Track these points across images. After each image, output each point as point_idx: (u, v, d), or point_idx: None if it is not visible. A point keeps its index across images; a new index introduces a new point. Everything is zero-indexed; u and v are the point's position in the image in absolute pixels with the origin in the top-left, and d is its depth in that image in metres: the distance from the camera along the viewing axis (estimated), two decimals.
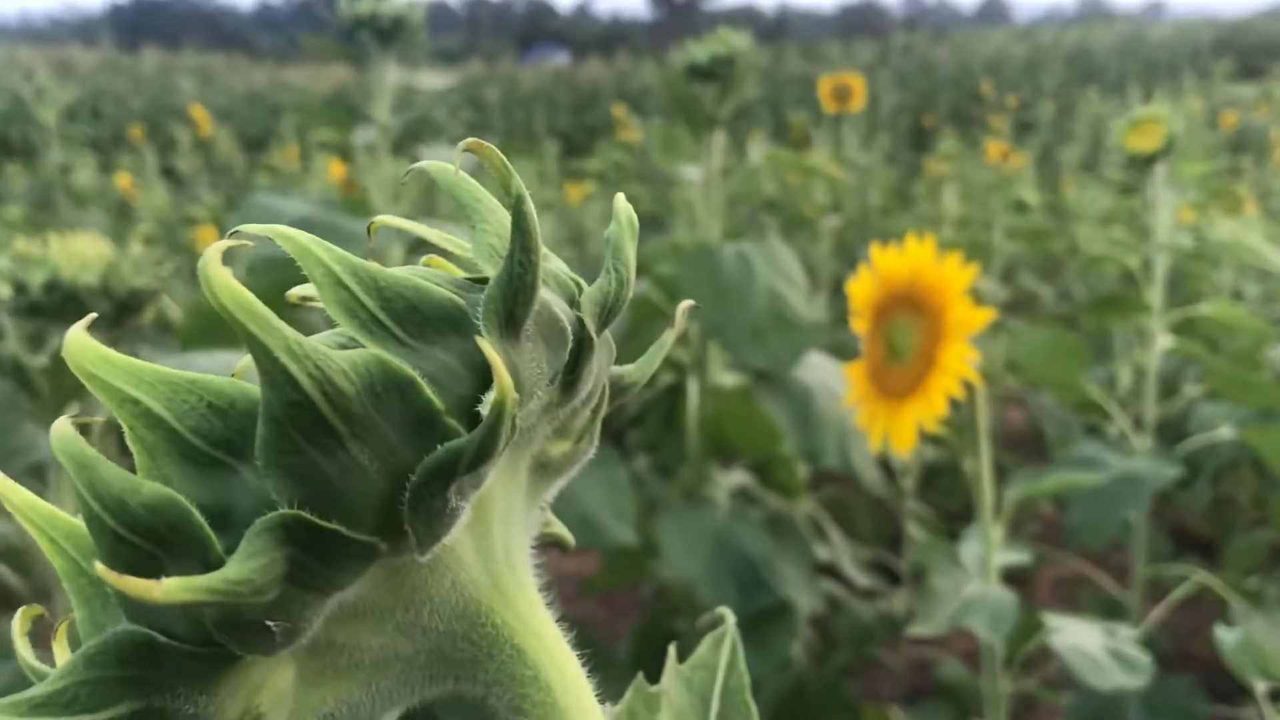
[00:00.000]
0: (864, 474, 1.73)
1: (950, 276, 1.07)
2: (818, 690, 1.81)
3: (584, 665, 0.35)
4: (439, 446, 0.28)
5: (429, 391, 0.28)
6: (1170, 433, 3.65)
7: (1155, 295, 2.02)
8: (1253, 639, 1.53)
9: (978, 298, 3.71)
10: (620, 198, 0.34)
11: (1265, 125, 11.05)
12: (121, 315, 1.14)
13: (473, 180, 0.34)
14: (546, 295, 0.31)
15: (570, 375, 0.32)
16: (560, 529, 0.38)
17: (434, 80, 1.65)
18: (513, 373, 0.29)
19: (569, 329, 0.32)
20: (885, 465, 3.04)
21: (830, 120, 7.48)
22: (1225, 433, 2.22)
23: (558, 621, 0.34)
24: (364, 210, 1.72)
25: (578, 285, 0.34)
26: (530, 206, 0.30)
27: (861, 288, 1.16)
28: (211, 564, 0.27)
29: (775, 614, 1.61)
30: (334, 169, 5.27)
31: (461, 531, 0.31)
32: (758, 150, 1.79)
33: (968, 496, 4.29)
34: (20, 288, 1.11)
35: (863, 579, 1.97)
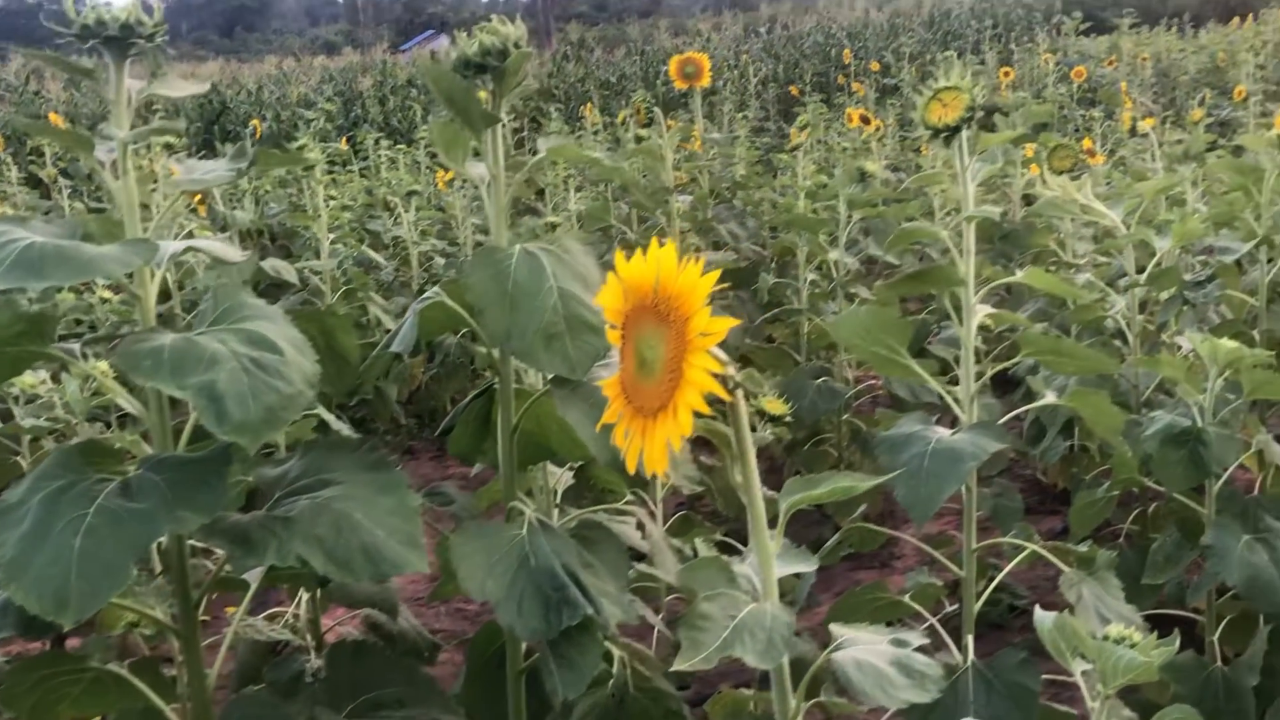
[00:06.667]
0: (674, 475, 1.67)
1: (692, 284, 1.00)
2: (641, 703, 1.74)
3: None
4: None
5: None
6: (1022, 389, 3.69)
7: (968, 266, 1.99)
8: (1066, 622, 1.50)
9: (829, 267, 3.65)
10: None
11: (1115, 78, 11.34)
12: None
13: None
14: None
15: None
16: None
17: (177, 88, 1.53)
18: None
19: None
20: None
21: (701, 95, 7.45)
22: (1051, 398, 2.21)
23: None
24: (117, 232, 1.60)
25: None
26: None
27: (609, 298, 1.09)
28: None
29: (581, 631, 1.54)
30: None
31: None
32: (545, 143, 1.71)
33: (829, 462, 4.30)
34: None
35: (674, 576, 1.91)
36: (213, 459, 1.45)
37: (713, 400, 1.06)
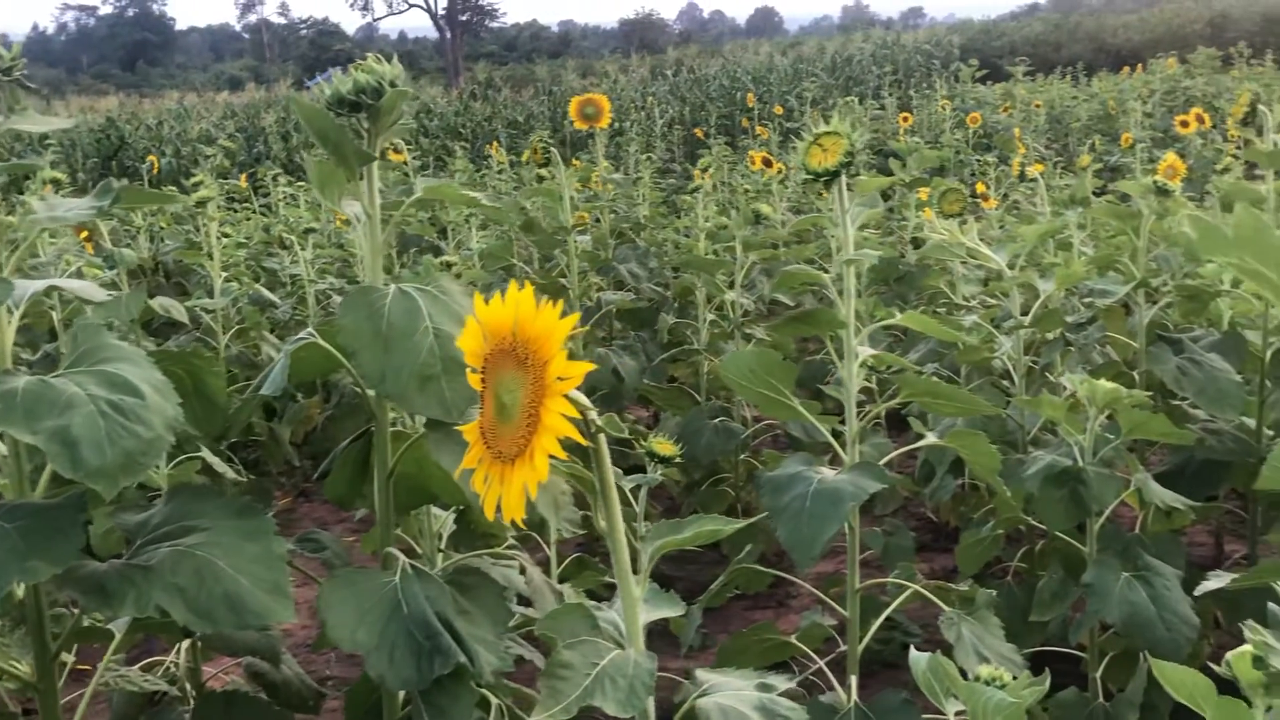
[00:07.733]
0: (553, 519, 1.65)
1: (550, 328, 0.99)
2: None
3: None
4: None
5: None
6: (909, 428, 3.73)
7: (848, 308, 2.01)
8: (939, 662, 1.51)
9: (727, 307, 3.66)
10: None
11: (1009, 124, 11.67)
12: None
13: None
14: None
15: None
16: None
17: (38, 123, 1.48)
18: None
19: None
20: None
21: (607, 135, 7.47)
22: (932, 438, 2.24)
23: None
24: None
25: None
26: None
27: (469, 340, 1.07)
28: None
29: (454, 680, 1.51)
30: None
31: None
32: (422, 182, 1.69)
33: (726, 502, 4.31)
34: None
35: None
36: (68, 506, 1.39)
37: (579, 446, 1.05)
